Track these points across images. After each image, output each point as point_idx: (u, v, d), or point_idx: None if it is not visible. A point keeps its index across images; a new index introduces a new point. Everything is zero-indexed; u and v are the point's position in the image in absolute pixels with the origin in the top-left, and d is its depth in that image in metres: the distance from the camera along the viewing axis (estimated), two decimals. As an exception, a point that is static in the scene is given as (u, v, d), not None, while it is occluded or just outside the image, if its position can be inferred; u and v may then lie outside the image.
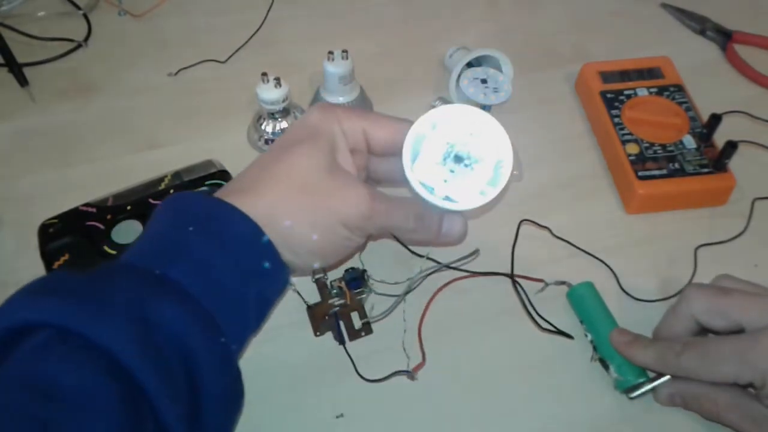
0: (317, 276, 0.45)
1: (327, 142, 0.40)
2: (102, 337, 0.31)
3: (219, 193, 0.39)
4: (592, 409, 0.43)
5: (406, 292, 0.45)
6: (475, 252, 0.48)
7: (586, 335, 0.45)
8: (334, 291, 0.45)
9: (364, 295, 0.46)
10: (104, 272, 0.35)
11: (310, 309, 0.45)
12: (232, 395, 0.36)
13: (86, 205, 0.49)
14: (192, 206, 0.37)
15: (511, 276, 0.48)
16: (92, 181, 0.53)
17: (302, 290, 0.45)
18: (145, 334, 0.32)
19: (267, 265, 0.37)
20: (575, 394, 0.43)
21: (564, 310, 0.47)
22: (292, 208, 0.38)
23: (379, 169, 0.45)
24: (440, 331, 0.45)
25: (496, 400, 0.43)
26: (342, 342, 0.44)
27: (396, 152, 0.41)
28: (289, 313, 0.46)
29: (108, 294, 0.33)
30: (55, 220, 0.48)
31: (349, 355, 0.44)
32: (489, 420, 0.42)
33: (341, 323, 0.45)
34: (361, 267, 0.47)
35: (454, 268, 0.48)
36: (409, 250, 0.49)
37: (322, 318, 0.45)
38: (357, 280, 0.46)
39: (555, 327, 0.45)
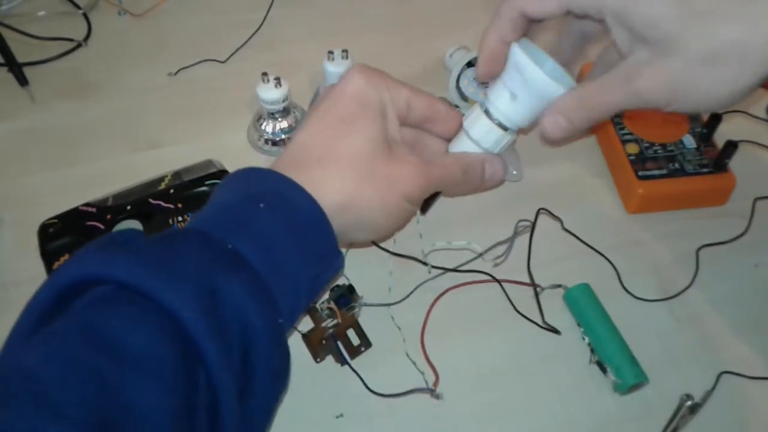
0: None
1: (379, 113, 0.40)
2: (173, 302, 0.31)
3: (286, 166, 0.39)
4: (592, 409, 0.43)
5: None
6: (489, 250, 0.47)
7: (583, 338, 0.45)
8: (325, 313, 0.45)
9: (355, 310, 0.45)
10: (177, 237, 0.35)
11: (305, 337, 0.44)
12: (281, 375, 0.36)
13: (86, 205, 0.49)
14: (265, 183, 0.38)
15: (532, 285, 0.48)
16: (92, 181, 0.53)
17: None
18: (212, 306, 0.32)
19: (327, 249, 0.38)
20: (575, 394, 0.43)
21: (563, 312, 0.47)
22: (363, 194, 0.39)
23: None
24: (438, 332, 0.45)
25: (495, 400, 0.43)
26: (344, 363, 0.44)
27: (425, 124, 0.43)
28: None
29: (181, 260, 0.33)
30: (55, 220, 0.48)
31: (357, 373, 0.43)
32: (489, 420, 0.42)
33: (339, 344, 0.44)
34: (346, 282, 0.46)
35: (456, 270, 0.48)
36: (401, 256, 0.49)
37: (318, 343, 0.44)
38: (345, 296, 0.45)
39: (544, 323, 0.45)
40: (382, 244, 0.47)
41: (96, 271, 0.32)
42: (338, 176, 0.38)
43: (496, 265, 0.48)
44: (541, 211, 0.50)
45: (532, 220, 0.50)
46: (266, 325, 0.34)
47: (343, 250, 0.43)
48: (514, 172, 0.53)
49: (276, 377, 0.36)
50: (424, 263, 0.47)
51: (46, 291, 0.32)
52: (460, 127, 0.45)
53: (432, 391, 0.42)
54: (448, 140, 0.46)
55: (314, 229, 0.37)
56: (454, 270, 0.48)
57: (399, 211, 0.41)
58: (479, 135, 0.43)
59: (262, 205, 0.36)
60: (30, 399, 0.27)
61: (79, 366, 0.29)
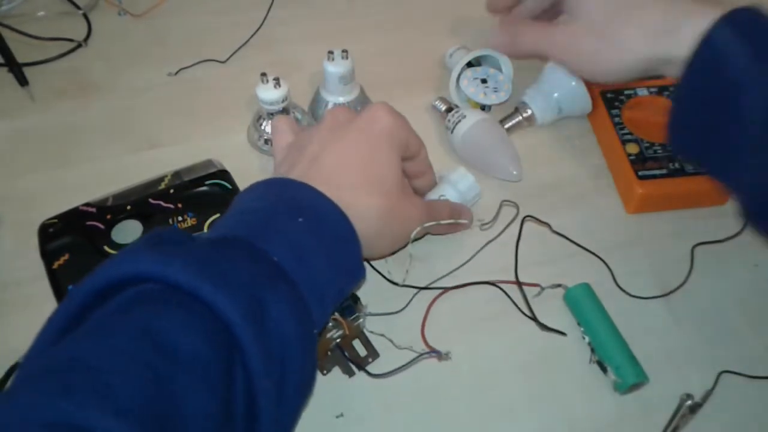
0: None
1: (399, 151, 0.44)
2: (226, 308, 0.32)
3: (317, 183, 0.40)
4: (592, 409, 0.43)
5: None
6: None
7: (583, 338, 0.45)
8: (330, 324, 0.44)
9: (360, 320, 0.45)
10: (226, 244, 0.36)
11: None
12: (310, 382, 0.38)
13: (86, 205, 0.49)
14: (299, 195, 0.40)
15: (518, 282, 0.48)
16: (92, 181, 0.53)
17: None
18: (258, 315, 0.33)
19: (353, 265, 0.41)
20: (575, 394, 0.43)
21: (563, 312, 0.47)
22: (383, 229, 0.42)
23: None
24: (439, 333, 0.45)
25: (495, 400, 0.43)
26: (352, 374, 0.44)
27: (406, 161, 0.46)
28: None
29: (233, 268, 0.34)
30: (55, 220, 0.48)
31: (367, 372, 0.43)
32: (489, 420, 0.42)
33: (347, 355, 0.44)
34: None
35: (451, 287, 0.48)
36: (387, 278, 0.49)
37: (324, 354, 0.44)
38: (350, 307, 0.45)
39: (546, 325, 0.45)
40: (391, 278, 0.48)
41: (150, 270, 0.33)
42: (369, 205, 0.41)
43: (482, 229, 0.51)
44: (528, 218, 0.51)
45: (524, 217, 0.50)
46: (302, 336, 0.35)
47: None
48: (515, 172, 0.53)
49: (306, 385, 0.37)
50: (426, 288, 0.48)
51: (92, 283, 0.32)
52: (427, 170, 0.49)
53: (439, 354, 0.43)
54: (413, 177, 0.49)
55: (345, 246, 0.39)
56: (450, 288, 0.48)
57: (400, 244, 0.45)
58: (457, 178, 0.50)
59: (300, 219, 0.38)
60: (91, 390, 0.27)
61: (138, 362, 0.29)
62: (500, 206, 0.50)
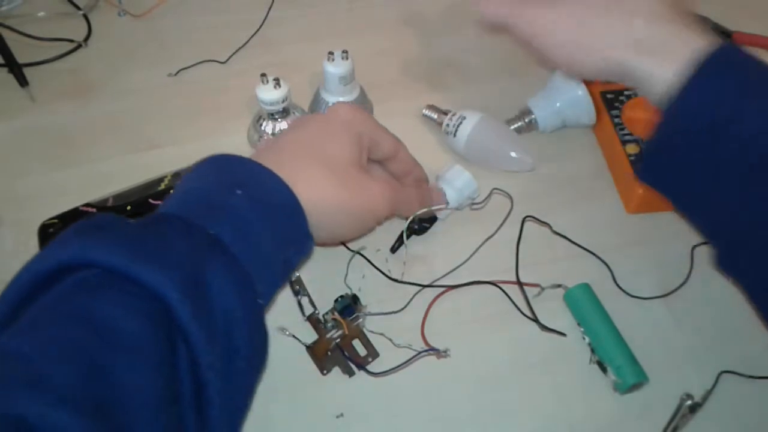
0: (309, 313, 0.46)
1: (358, 140, 0.44)
2: (160, 287, 0.32)
3: (268, 161, 0.40)
4: (592, 409, 0.43)
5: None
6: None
7: (583, 338, 0.45)
8: (330, 324, 0.45)
9: (360, 320, 0.45)
10: (161, 223, 0.36)
11: (310, 348, 0.44)
12: (261, 354, 0.38)
13: (86, 205, 0.49)
14: (240, 169, 0.40)
15: (518, 283, 0.48)
16: (92, 181, 0.53)
17: (296, 331, 0.45)
18: (197, 291, 0.33)
19: (299, 235, 0.40)
20: (575, 394, 0.43)
21: (563, 312, 0.47)
22: (337, 198, 0.41)
23: None
24: (439, 333, 0.45)
25: (496, 400, 0.43)
26: (352, 374, 0.44)
27: (386, 161, 0.47)
28: (288, 314, 0.46)
29: (168, 246, 0.34)
30: (55, 220, 0.48)
31: (367, 371, 0.43)
32: (489, 420, 0.42)
33: (347, 355, 0.44)
34: (350, 292, 0.46)
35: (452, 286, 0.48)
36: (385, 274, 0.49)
37: (324, 355, 0.44)
38: (349, 307, 0.45)
39: (547, 326, 0.45)
40: (392, 275, 0.48)
41: (83, 256, 0.32)
42: (318, 178, 0.41)
43: (472, 209, 0.51)
44: (528, 218, 0.51)
45: (525, 218, 0.50)
46: (247, 308, 0.35)
47: (346, 260, 0.45)
48: (529, 161, 0.53)
49: (257, 357, 0.37)
50: (428, 286, 0.48)
51: (27, 275, 0.32)
52: (413, 168, 0.49)
53: (438, 352, 0.43)
54: (401, 177, 0.49)
55: (289, 216, 0.39)
56: (451, 287, 0.48)
57: (363, 225, 0.45)
58: (453, 175, 0.50)
59: (239, 191, 0.38)
60: (22, 380, 0.27)
61: (74, 349, 0.29)
62: (491, 192, 0.51)
